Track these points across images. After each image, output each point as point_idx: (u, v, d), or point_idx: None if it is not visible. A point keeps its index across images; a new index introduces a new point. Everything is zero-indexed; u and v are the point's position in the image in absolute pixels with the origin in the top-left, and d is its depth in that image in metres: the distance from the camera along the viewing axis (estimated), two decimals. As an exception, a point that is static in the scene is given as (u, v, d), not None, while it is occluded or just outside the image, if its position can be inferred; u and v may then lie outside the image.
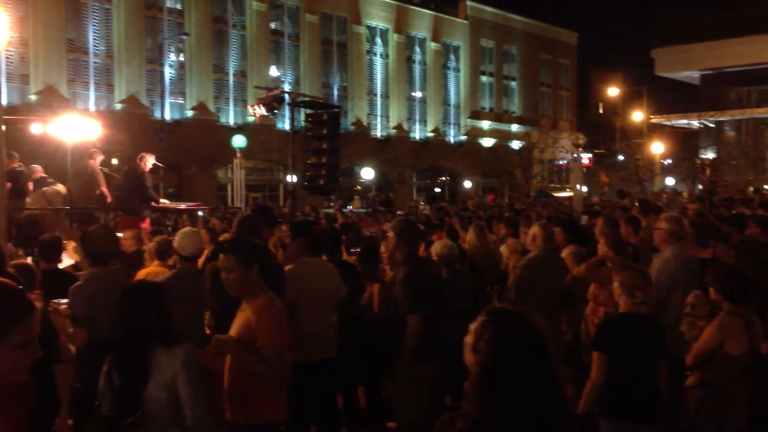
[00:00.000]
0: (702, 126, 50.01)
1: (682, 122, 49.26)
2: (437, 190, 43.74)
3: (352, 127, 36.45)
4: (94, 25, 30.25)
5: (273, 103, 10.81)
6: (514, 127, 47.71)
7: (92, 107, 28.97)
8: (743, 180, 42.42)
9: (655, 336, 4.18)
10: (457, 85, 45.26)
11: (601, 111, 48.22)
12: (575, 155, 34.27)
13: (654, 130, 44.78)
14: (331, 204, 21.06)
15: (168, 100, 30.61)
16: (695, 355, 4.28)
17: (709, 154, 49.91)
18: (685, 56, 48.37)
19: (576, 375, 5.22)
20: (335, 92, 37.61)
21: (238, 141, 25.83)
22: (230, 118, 34.28)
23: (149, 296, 3.45)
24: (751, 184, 37.86)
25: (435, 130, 43.06)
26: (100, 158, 12.21)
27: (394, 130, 40.63)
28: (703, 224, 7.17)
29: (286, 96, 11.25)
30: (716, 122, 49.08)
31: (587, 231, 8.00)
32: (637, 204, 10.82)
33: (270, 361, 3.56)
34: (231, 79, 34.40)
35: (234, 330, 3.76)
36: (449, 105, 44.81)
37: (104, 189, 12.09)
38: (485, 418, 2.13)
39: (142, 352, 3.27)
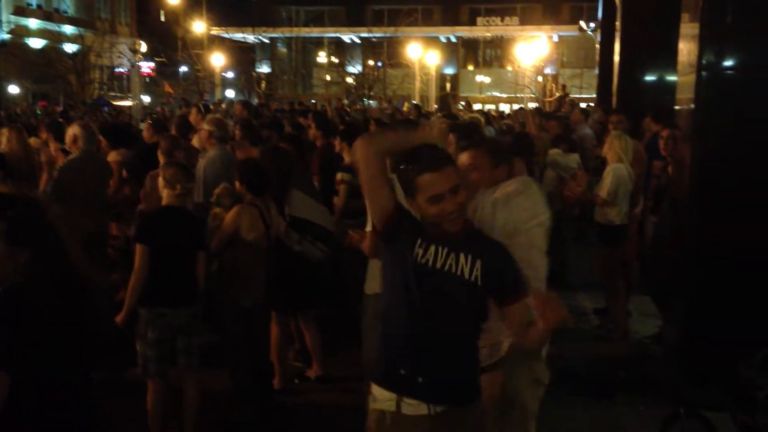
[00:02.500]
0: (258, 41, 52.73)
1: (240, 36, 51.15)
2: (-25, 94, 38.07)
3: None
4: None
5: None
6: (67, 29, 43.74)
7: None
8: (294, 94, 46.33)
9: (193, 227, 4.46)
10: (-7, -26, 39.25)
11: (162, 19, 47.00)
12: (134, 63, 33.27)
13: (214, 42, 45.65)
14: None
15: None
16: (216, 241, 4.67)
17: (265, 69, 53.20)
18: (241, -30, 49.69)
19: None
20: None
21: None
22: None
23: None
24: (301, 98, 41.71)
25: (-32, 25, 37.00)
26: None
27: None
28: (248, 128, 7.74)
29: None
30: (270, 38, 52.21)
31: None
32: (196, 112, 11.11)
33: None
34: None
35: None
36: (-15, -3, 38.77)
37: None
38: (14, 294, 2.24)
39: None
